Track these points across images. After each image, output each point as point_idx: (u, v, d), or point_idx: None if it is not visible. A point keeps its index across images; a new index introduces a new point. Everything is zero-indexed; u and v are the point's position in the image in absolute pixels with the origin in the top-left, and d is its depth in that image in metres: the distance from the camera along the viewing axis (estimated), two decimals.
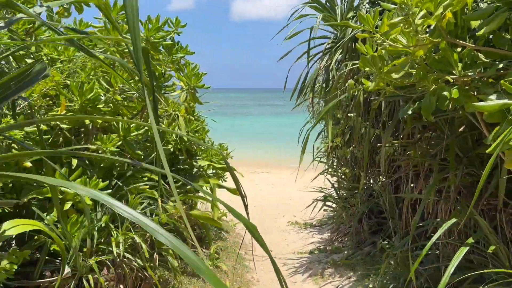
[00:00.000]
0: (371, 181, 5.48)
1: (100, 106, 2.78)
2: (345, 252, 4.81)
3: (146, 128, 3.53)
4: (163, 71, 3.41)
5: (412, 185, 3.71)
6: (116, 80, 2.86)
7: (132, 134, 3.00)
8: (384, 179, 3.90)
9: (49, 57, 3.19)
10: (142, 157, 3.07)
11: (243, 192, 1.45)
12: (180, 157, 4.71)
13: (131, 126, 3.01)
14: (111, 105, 3.23)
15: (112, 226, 2.73)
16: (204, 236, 5.27)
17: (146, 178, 3.21)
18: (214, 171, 5.46)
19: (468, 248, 2.17)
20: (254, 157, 17.82)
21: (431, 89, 2.17)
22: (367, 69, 2.31)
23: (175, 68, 3.47)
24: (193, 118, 4.34)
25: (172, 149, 4.34)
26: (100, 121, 2.87)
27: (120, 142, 2.82)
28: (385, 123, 3.71)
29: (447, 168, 2.87)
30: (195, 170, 4.61)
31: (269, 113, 50.31)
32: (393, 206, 4.38)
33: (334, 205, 6.30)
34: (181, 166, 4.51)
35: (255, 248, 5.60)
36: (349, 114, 3.88)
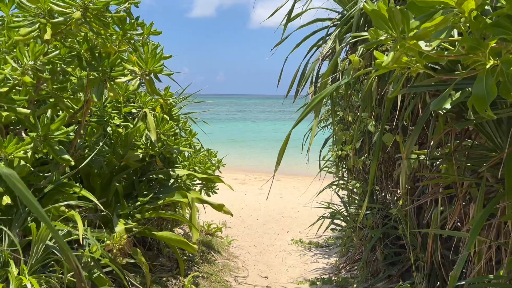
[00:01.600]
0: (388, 196, 4.57)
1: (3, 90, 1.97)
2: (354, 286, 3.88)
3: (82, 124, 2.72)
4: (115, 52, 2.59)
5: (441, 208, 2.78)
6: (23, 53, 2.03)
7: (57, 133, 2.18)
8: (404, 200, 2.99)
9: None
10: (73, 163, 2.24)
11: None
12: (154, 165, 3.89)
13: (57, 121, 2.19)
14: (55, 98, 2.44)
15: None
16: (187, 260, 4.43)
17: (80, 195, 2.38)
18: (201, 182, 4.62)
19: None
20: (267, 164, 16.96)
21: (487, 66, 1.29)
22: (382, 37, 1.44)
23: (133, 49, 2.65)
24: (167, 118, 3.51)
25: (141, 155, 3.52)
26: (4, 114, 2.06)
27: (31, 145, 1.99)
28: (406, 127, 2.80)
29: (497, 193, 1.96)
30: (172, 180, 3.77)
31: (288, 118, 49.25)
32: (415, 232, 3.45)
33: (343, 224, 5.39)
34: (154, 176, 3.69)
35: (248, 274, 4.73)
36: (361, 115, 2.99)
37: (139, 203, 3.41)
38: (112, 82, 2.47)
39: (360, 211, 4.83)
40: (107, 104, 3.34)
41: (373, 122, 2.74)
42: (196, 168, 4.12)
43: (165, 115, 3.54)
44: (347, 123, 4.26)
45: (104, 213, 3.07)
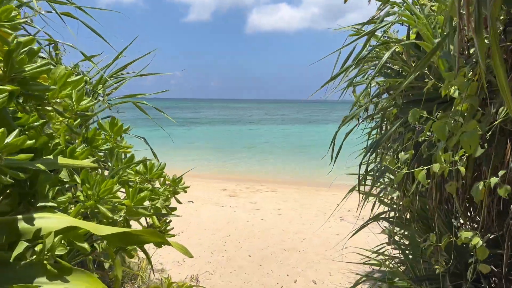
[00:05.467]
0: None
1: None
2: None
3: None
4: None
5: None
6: None
7: None
8: None
9: None
10: None
11: None
12: None
13: None
14: None
15: None
16: None
17: None
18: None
19: None
20: (261, 171, 14.54)
21: None
22: None
23: None
24: None
25: None
26: None
27: None
28: None
29: None
30: (23, 246, 1.36)
31: (283, 122, 46.92)
32: None
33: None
34: None
35: None
36: None
37: None
38: None
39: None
40: None
41: None
42: (108, 205, 1.72)
43: None
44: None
45: None
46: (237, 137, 27.79)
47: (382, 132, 3.10)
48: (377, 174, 3.10)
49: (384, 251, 3.56)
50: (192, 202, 8.69)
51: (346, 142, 2.86)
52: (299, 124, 43.88)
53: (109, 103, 2.88)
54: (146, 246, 3.89)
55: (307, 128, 38.02)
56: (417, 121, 2.22)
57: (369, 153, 2.68)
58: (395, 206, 2.87)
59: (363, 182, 3.24)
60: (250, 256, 5.01)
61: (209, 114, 66.79)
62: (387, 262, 3.20)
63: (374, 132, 3.63)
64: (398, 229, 3.23)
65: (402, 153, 2.28)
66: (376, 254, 3.22)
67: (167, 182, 2.57)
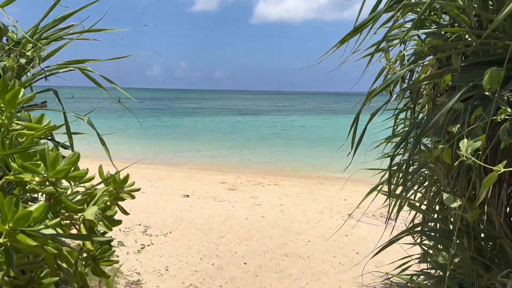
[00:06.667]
0: None
1: None
2: None
3: None
4: None
5: None
6: None
7: None
8: None
9: None
10: None
11: None
12: None
13: None
14: None
15: None
16: None
17: None
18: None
19: None
20: (264, 162, 13.72)
21: None
22: None
23: None
24: None
25: None
26: None
27: None
28: None
29: None
30: None
31: (294, 112, 45.88)
32: None
33: None
34: None
35: None
36: None
37: None
38: None
39: None
40: None
41: None
42: None
43: None
44: None
45: None
46: (245, 128, 26.96)
47: (416, 114, 2.26)
48: (413, 170, 2.26)
49: (408, 267, 2.75)
50: (188, 196, 7.89)
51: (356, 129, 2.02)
52: (308, 115, 42.93)
53: (43, 70, 2.05)
54: (125, 250, 3.10)
55: (316, 119, 37.17)
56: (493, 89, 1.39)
57: (415, 141, 1.84)
58: (442, 217, 2.04)
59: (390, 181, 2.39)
60: (245, 263, 4.20)
61: (215, 104, 65.96)
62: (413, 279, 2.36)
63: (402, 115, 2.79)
64: (429, 241, 2.41)
65: (465, 140, 1.44)
66: (396, 264, 2.40)
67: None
